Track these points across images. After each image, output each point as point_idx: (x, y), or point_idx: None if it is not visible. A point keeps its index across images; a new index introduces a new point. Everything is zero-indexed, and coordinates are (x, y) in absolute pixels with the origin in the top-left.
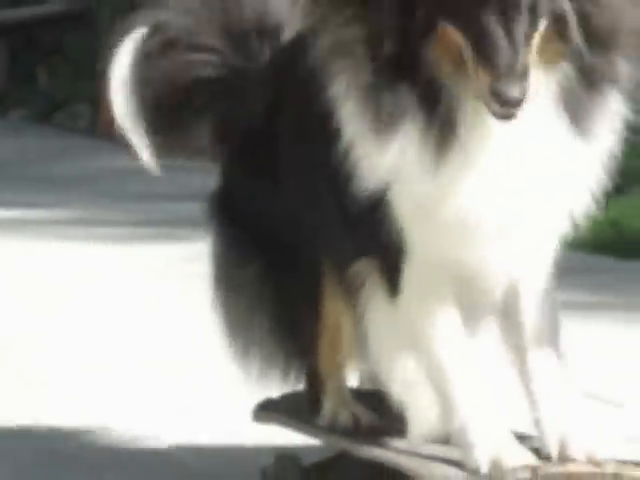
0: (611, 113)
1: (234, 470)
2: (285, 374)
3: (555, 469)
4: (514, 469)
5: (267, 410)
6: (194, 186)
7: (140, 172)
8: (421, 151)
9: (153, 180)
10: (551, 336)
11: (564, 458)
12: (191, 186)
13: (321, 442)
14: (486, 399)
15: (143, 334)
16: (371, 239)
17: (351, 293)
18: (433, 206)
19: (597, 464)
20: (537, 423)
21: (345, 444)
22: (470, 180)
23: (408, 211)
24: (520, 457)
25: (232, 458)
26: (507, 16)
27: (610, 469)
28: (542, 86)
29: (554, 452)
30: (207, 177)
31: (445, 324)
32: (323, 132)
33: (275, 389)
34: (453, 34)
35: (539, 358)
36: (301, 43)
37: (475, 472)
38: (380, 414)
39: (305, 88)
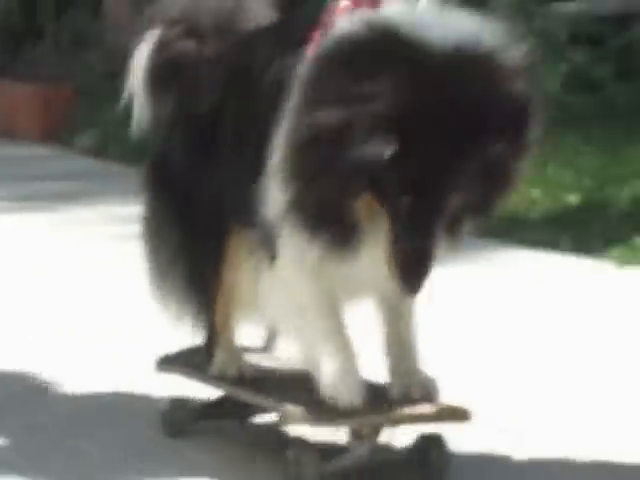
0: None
1: (138, 413)
2: (195, 324)
3: (411, 411)
4: (372, 410)
5: (168, 362)
6: None
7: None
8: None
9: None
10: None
11: (409, 401)
12: None
13: (212, 388)
14: (349, 352)
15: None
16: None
17: (249, 256)
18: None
19: (438, 406)
20: (388, 371)
21: (230, 390)
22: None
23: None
24: (372, 403)
25: (136, 404)
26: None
27: (446, 408)
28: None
29: (400, 396)
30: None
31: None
32: (257, 134)
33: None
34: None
35: (397, 314)
36: (254, 42)
37: (332, 411)
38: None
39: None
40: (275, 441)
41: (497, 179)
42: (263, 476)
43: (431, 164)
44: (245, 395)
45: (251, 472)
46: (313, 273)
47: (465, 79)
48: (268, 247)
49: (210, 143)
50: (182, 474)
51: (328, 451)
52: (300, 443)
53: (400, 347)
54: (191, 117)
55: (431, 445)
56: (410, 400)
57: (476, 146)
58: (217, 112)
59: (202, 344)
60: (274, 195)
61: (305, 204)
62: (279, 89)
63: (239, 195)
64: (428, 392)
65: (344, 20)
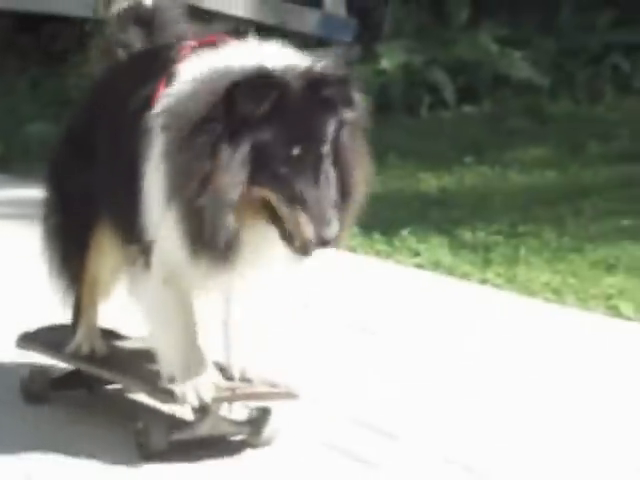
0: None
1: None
2: (64, 302)
3: (247, 390)
4: (218, 389)
5: (27, 339)
6: None
7: None
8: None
9: None
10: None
11: (243, 379)
12: None
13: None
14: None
15: None
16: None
17: (114, 247)
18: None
19: (273, 385)
20: (226, 354)
21: (82, 367)
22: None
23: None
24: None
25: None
26: (317, 171)
27: (283, 389)
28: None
29: (237, 375)
30: None
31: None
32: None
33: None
34: (266, 195)
35: (238, 307)
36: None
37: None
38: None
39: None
40: (125, 410)
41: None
42: (114, 444)
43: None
44: (94, 371)
45: (102, 441)
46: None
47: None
48: (139, 247)
49: (88, 150)
50: (35, 443)
51: (175, 422)
52: (149, 414)
53: (238, 332)
54: (75, 128)
55: (262, 418)
56: (247, 380)
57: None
58: (94, 127)
59: (62, 323)
60: (153, 212)
61: (190, 224)
62: (138, 118)
63: (109, 198)
64: (261, 374)
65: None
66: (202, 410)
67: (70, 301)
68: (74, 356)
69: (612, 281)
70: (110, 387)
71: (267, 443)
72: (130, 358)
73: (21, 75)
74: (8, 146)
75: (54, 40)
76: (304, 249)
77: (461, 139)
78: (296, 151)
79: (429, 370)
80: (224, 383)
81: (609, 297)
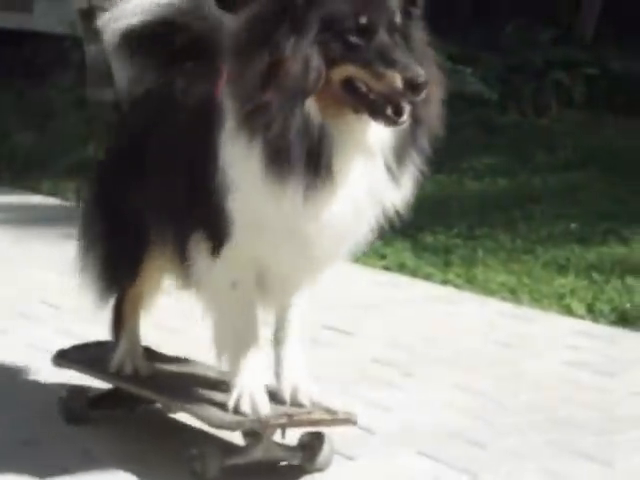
0: (417, 166)
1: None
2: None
3: (304, 416)
4: (275, 415)
5: (63, 357)
6: None
7: None
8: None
9: None
10: (296, 316)
11: (295, 402)
12: None
13: (109, 384)
14: (258, 359)
15: None
16: (210, 221)
17: (175, 256)
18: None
19: (331, 412)
20: (277, 376)
21: (125, 386)
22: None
23: (247, 221)
24: (273, 406)
25: (36, 389)
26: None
27: (342, 415)
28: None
29: (288, 398)
30: None
31: (244, 288)
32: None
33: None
34: (346, 72)
35: (287, 329)
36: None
37: (245, 416)
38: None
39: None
40: (169, 432)
41: None
42: (164, 468)
43: None
44: (138, 391)
45: (151, 465)
46: (244, 272)
47: None
48: (215, 245)
49: (138, 167)
50: (81, 463)
51: (227, 446)
52: (203, 439)
53: (286, 353)
54: (124, 143)
55: (316, 443)
56: (299, 404)
57: None
58: (146, 140)
59: (97, 340)
60: (234, 154)
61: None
62: (199, 117)
63: (163, 215)
64: (312, 397)
65: None
66: (254, 434)
67: (110, 316)
68: (117, 375)
69: (563, 281)
70: (149, 406)
71: (321, 468)
72: (174, 378)
73: (6, 88)
74: None
75: (36, 55)
76: (397, 110)
77: None
78: (363, 20)
79: (399, 366)
80: (280, 408)
81: (561, 296)
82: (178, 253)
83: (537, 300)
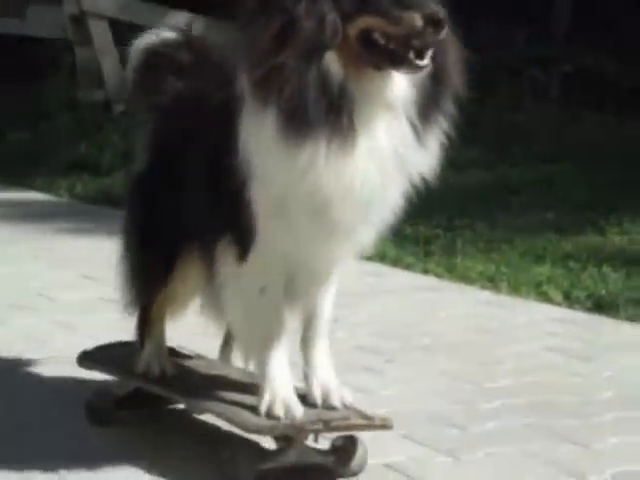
0: (442, 128)
1: (64, 399)
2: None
3: (341, 422)
4: (310, 421)
5: (89, 358)
6: None
7: None
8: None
9: None
10: (324, 314)
11: (327, 405)
12: None
13: (134, 384)
14: (285, 362)
15: None
16: (234, 222)
17: (204, 263)
18: (300, 202)
19: (367, 417)
20: (306, 378)
21: (154, 389)
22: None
23: (270, 207)
24: (306, 410)
25: (62, 389)
26: None
27: (378, 421)
28: (403, 92)
29: (319, 400)
30: None
31: (272, 292)
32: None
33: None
34: (363, 24)
35: (315, 328)
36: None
37: (279, 420)
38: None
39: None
40: (195, 433)
41: None
42: (193, 471)
43: None
44: (166, 393)
45: (180, 468)
46: (273, 275)
47: None
48: (240, 249)
49: (177, 170)
50: (106, 470)
51: (260, 451)
52: (236, 442)
53: (315, 354)
54: (163, 147)
55: (349, 447)
56: (331, 406)
57: None
58: (184, 145)
59: (125, 341)
60: (251, 128)
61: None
62: (220, 112)
63: (192, 222)
64: (344, 399)
65: None
66: (286, 438)
67: (137, 317)
68: (144, 377)
69: (541, 270)
70: (174, 406)
71: (356, 473)
72: (200, 379)
73: (1, 90)
74: None
75: (29, 58)
76: (420, 53)
77: None
78: None
79: (386, 351)
80: (313, 412)
81: (539, 284)
82: (206, 260)
83: (515, 288)
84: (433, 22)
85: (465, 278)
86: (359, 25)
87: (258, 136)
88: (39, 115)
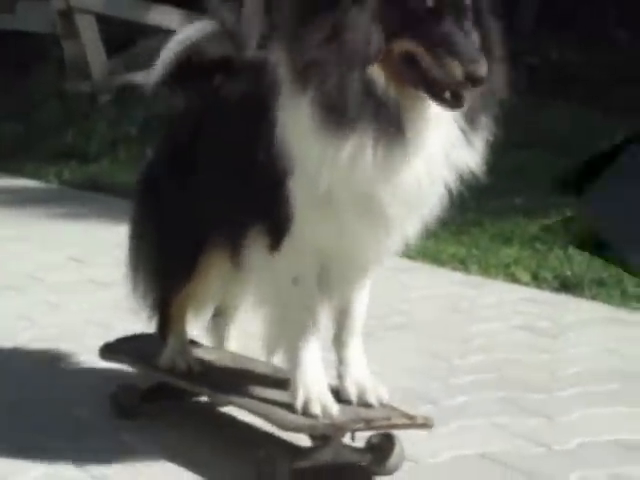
0: (486, 132)
1: (90, 394)
2: (150, 312)
3: (383, 422)
4: (351, 420)
5: (111, 350)
6: None
7: None
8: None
9: None
10: (359, 312)
11: (362, 403)
12: None
13: (160, 379)
14: (319, 359)
15: None
16: (268, 212)
17: (230, 256)
18: (342, 195)
19: (409, 417)
20: (340, 376)
21: (181, 384)
22: (393, 175)
23: (311, 199)
24: (342, 407)
25: (88, 384)
26: (458, 23)
27: (420, 420)
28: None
29: (354, 398)
30: None
31: (306, 283)
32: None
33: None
34: (406, 47)
35: (349, 327)
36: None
37: (316, 419)
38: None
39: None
40: (225, 429)
41: None
42: (227, 469)
43: None
44: (193, 388)
45: (212, 465)
46: (306, 265)
47: None
48: (273, 239)
49: (191, 166)
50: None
51: (296, 449)
52: (270, 439)
53: (350, 352)
54: (176, 142)
55: (386, 445)
56: (366, 403)
57: None
58: (197, 140)
59: (145, 333)
60: (290, 114)
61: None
62: (251, 100)
63: (218, 212)
64: (380, 397)
65: None
66: (323, 437)
67: (158, 311)
68: (170, 372)
69: (509, 252)
70: (198, 399)
71: (392, 471)
72: (227, 374)
73: None
74: None
75: (19, 52)
76: (456, 96)
77: None
78: (430, 2)
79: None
80: (349, 409)
81: (507, 266)
82: (235, 251)
83: (485, 269)
84: (472, 80)
85: (437, 260)
86: (404, 45)
87: (295, 127)
88: (29, 105)
